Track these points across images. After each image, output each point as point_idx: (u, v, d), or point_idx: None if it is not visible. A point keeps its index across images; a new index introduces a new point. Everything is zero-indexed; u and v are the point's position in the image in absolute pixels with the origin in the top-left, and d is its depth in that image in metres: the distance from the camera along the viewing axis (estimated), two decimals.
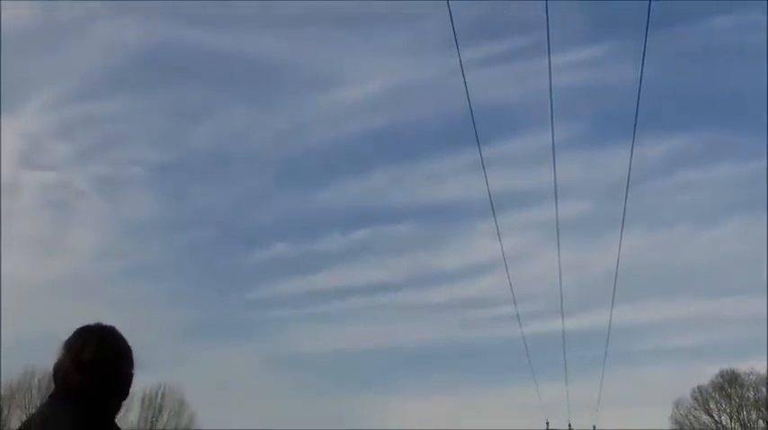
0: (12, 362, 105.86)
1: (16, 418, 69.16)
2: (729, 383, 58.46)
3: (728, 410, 58.41)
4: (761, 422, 57.29)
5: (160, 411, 72.35)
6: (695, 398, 59.52)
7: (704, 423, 59.17)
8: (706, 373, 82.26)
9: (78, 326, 2.67)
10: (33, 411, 2.65)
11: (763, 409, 56.58)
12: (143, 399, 72.93)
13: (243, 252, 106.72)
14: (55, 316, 79.09)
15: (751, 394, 57.79)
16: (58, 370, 2.63)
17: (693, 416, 59.62)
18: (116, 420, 2.63)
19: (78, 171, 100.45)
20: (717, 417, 58.76)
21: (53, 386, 2.68)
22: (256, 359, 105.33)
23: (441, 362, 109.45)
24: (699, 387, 60.02)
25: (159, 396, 72.60)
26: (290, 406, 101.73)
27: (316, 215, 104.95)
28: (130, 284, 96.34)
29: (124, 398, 2.63)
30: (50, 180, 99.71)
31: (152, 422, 71.60)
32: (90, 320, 2.79)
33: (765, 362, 63.56)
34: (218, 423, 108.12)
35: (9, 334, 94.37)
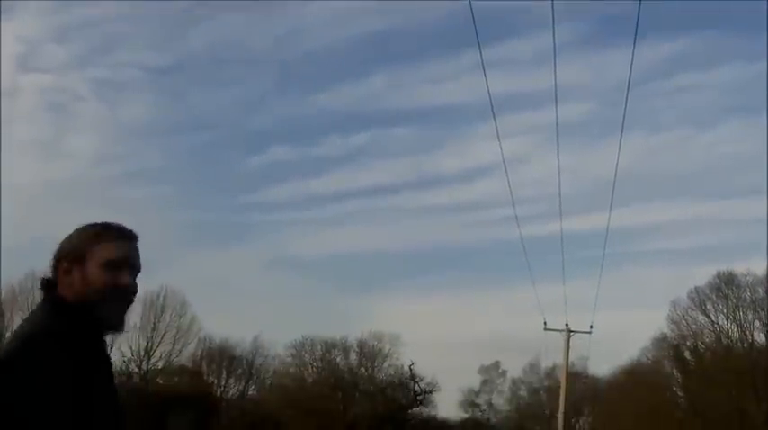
0: (13, 265, 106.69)
1: (18, 321, 69.52)
2: (726, 284, 58.65)
3: (725, 311, 58.74)
4: (757, 322, 57.71)
5: (162, 312, 73.29)
6: (692, 299, 59.78)
7: (701, 323, 59.61)
8: (703, 275, 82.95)
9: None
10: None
11: (759, 310, 57.09)
12: (144, 301, 73.75)
13: (242, 156, 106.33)
14: (56, 219, 79.30)
15: (748, 295, 57.97)
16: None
17: (690, 317, 60.03)
18: None
19: (77, 74, 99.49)
20: (713, 318, 59.13)
21: None
22: (256, 262, 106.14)
23: (439, 265, 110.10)
24: (696, 288, 60.17)
25: (161, 297, 73.47)
26: (290, 307, 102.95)
27: (315, 119, 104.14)
28: (130, 188, 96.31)
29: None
30: (49, 83, 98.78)
31: (154, 323, 72.53)
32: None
33: (764, 264, 64.02)
34: (220, 324, 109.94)
35: (10, 237, 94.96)
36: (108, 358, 2.40)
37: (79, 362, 2.25)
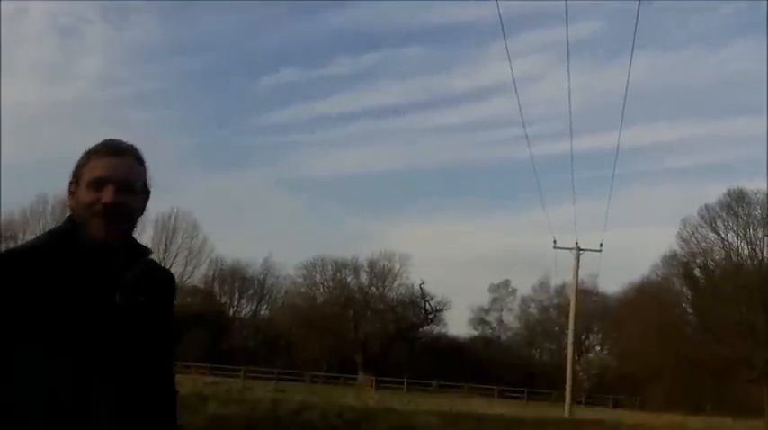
0: (24, 188, 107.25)
1: None
2: (737, 202, 58.37)
3: (735, 228, 58.61)
4: (767, 239, 57.94)
5: (173, 234, 73.71)
6: (702, 217, 59.62)
7: (711, 240, 59.60)
8: (713, 193, 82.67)
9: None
10: None
11: None
12: (156, 222, 74.11)
13: (251, 78, 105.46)
14: (66, 141, 79.27)
15: (758, 212, 57.75)
16: None
17: (700, 234, 59.97)
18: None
19: None
20: (723, 235, 59.09)
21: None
22: (266, 183, 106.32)
23: (449, 184, 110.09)
24: (706, 205, 59.93)
25: (172, 219, 73.78)
26: (301, 228, 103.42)
27: (324, 39, 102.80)
28: (138, 111, 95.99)
29: (141, 214, 2.44)
30: (56, 6, 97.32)
31: (166, 245, 73.01)
32: None
33: None
34: (231, 245, 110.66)
35: (22, 160, 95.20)
36: (97, 277, 2.27)
37: (38, 279, 2.20)
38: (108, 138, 2.44)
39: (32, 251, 2.27)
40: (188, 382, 34.99)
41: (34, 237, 2.42)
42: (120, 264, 2.33)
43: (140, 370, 2.31)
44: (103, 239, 2.30)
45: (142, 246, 2.48)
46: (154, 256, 2.51)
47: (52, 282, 2.20)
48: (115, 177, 2.33)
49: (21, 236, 70.70)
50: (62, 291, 2.20)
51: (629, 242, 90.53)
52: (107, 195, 2.30)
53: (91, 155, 2.37)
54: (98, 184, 2.31)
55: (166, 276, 2.58)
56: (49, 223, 71.95)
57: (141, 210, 2.45)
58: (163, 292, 2.50)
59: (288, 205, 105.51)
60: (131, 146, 2.44)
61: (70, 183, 2.38)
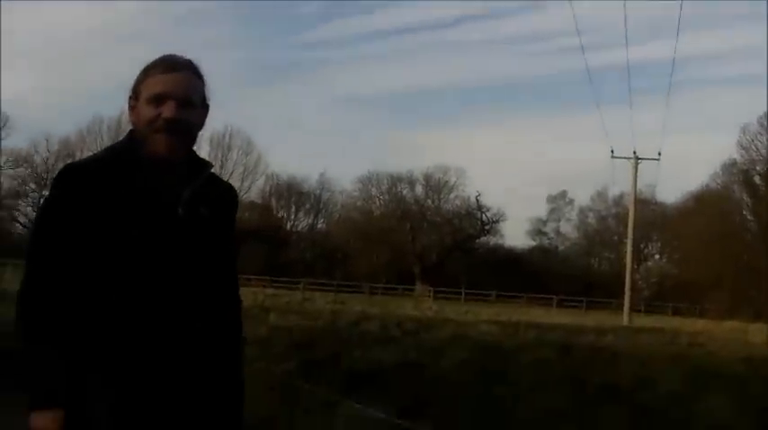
0: (81, 109, 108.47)
1: None
2: None
3: None
4: None
5: (228, 151, 74.27)
6: (761, 124, 58.02)
7: None
8: None
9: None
10: None
11: None
12: (211, 140, 74.72)
13: None
14: (120, 63, 79.57)
15: None
16: None
17: (760, 142, 58.69)
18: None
19: None
20: None
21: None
22: (321, 98, 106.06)
23: (505, 96, 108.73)
24: (766, 113, 58.65)
25: (227, 136, 74.28)
26: (356, 143, 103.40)
27: None
28: (189, 27, 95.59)
29: (200, 128, 2.49)
30: None
31: (221, 161, 73.63)
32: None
33: None
34: (286, 161, 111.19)
35: (77, 82, 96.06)
36: (159, 191, 2.31)
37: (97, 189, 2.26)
38: (165, 53, 2.42)
39: (97, 163, 2.30)
40: (249, 295, 35.67)
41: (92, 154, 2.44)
42: (182, 178, 2.35)
43: (205, 279, 2.36)
44: (165, 154, 2.33)
45: (203, 159, 2.49)
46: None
47: (117, 194, 2.24)
48: (174, 93, 2.33)
49: (78, 154, 71.89)
50: (127, 202, 2.24)
51: (687, 151, 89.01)
52: (168, 111, 2.31)
53: (149, 70, 2.37)
54: (158, 100, 2.32)
55: (227, 188, 2.57)
56: (105, 142, 72.92)
57: (201, 124, 2.46)
58: (224, 204, 2.51)
59: (342, 120, 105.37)
60: (189, 60, 2.43)
61: (129, 98, 2.40)
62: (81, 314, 2.23)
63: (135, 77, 2.39)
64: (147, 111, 2.32)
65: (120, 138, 2.42)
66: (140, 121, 2.34)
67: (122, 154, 2.32)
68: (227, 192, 2.55)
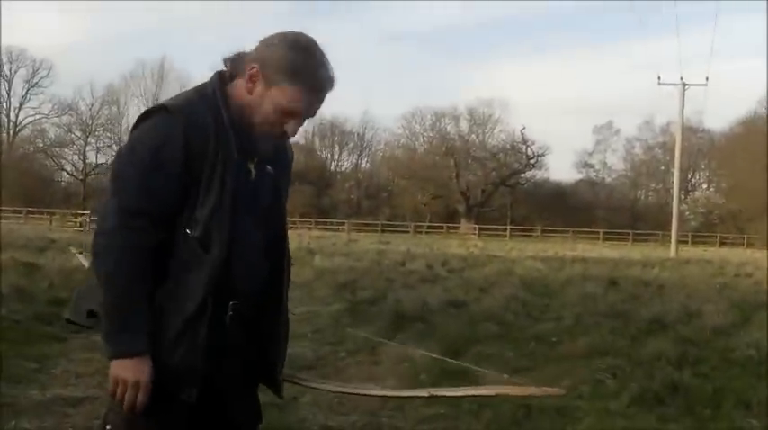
0: (124, 54, 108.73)
1: (133, 106, 72.09)
2: None
3: None
4: None
5: None
6: None
7: None
8: None
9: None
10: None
11: None
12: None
13: None
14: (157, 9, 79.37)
15: None
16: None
17: None
18: None
19: None
20: None
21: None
22: (362, 35, 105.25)
23: (547, 26, 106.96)
24: None
25: None
26: (398, 79, 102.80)
27: None
28: None
29: None
30: None
31: None
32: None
33: None
34: (328, 101, 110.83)
35: (121, 27, 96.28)
36: (240, 147, 2.34)
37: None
38: (318, 52, 2.33)
39: (192, 109, 2.30)
40: (295, 237, 36.00)
41: (201, 84, 2.40)
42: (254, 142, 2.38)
43: (273, 224, 2.48)
44: (258, 142, 2.38)
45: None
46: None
47: (210, 146, 2.27)
48: (307, 115, 2.36)
49: (122, 99, 72.50)
50: (217, 148, 2.28)
51: (735, 76, 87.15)
52: (292, 130, 2.35)
53: (299, 73, 2.28)
54: (290, 114, 2.31)
55: (290, 152, 2.61)
56: (148, 85, 73.49)
57: None
58: (286, 165, 2.56)
59: (385, 57, 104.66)
60: (335, 78, 2.39)
61: (255, 64, 2.30)
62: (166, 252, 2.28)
63: (276, 52, 2.29)
64: (273, 114, 2.30)
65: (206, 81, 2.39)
66: (253, 105, 2.31)
67: (217, 109, 2.31)
68: (289, 155, 2.59)
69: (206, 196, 2.26)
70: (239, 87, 2.32)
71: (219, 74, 2.38)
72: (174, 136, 2.24)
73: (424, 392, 2.71)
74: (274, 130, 2.34)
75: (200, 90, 2.36)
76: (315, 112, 2.38)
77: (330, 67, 2.33)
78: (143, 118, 2.32)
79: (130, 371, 2.19)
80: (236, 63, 2.36)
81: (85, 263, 3.47)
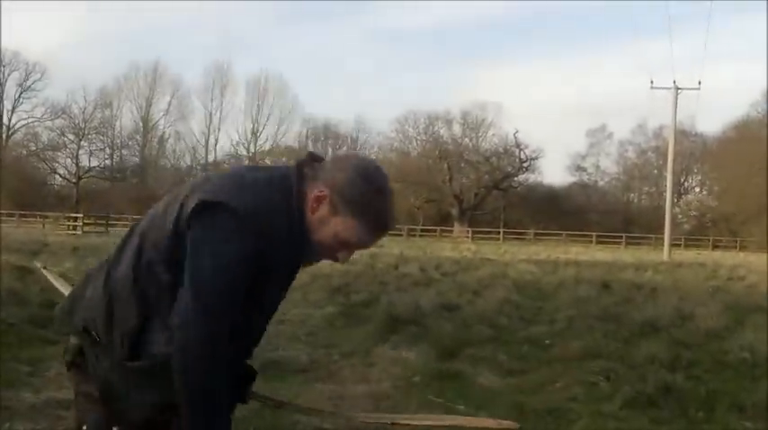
0: (118, 57, 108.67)
1: (126, 109, 71.98)
2: None
3: None
4: None
5: (264, 95, 74.43)
6: None
7: None
8: None
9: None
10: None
11: None
12: (247, 84, 74.99)
13: None
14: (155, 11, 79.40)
15: None
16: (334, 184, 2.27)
17: None
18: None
19: None
20: None
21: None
22: (355, 36, 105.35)
23: (538, 31, 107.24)
24: None
25: (262, 80, 74.45)
26: (391, 83, 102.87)
27: None
28: None
29: None
30: None
31: (258, 105, 73.95)
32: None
33: None
34: (322, 104, 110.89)
35: (114, 29, 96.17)
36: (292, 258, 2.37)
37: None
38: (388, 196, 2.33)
39: (270, 215, 2.23)
40: None
41: (281, 178, 2.32)
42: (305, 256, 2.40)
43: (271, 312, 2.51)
44: (308, 261, 2.42)
45: None
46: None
47: (280, 250, 2.25)
48: (364, 248, 2.38)
49: (115, 103, 72.48)
50: (274, 262, 2.26)
51: (727, 78, 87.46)
52: (343, 258, 2.36)
53: (364, 216, 2.29)
54: (347, 245, 2.32)
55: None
56: (141, 89, 73.47)
57: None
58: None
59: (377, 61, 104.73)
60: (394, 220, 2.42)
61: (326, 185, 2.28)
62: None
63: (348, 183, 2.27)
64: (331, 240, 2.30)
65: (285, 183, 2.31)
66: (317, 225, 2.29)
67: (293, 218, 2.28)
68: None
69: (250, 300, 2.27)
70: (308, 199, 2.29)
71: (300, 169, 2.32)
72: (252, 242, 2.18)
73: (387, 419, 2.70)
74: (325, 254, 2.34)
75: (281, 184, 2.29)
76: (368, 248, 2.41)
77: (393, 208, 2.34)
78: (217, 210, 2.20)
79: None
80: (315, 170, 2.32)
81: (53, 280, 3.42)
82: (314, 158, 2.35)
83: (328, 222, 2.27)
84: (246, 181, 2.28)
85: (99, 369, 2.27)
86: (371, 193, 2.27)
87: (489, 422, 2.70)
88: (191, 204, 2.19)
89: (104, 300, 2.27)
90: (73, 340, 2.35)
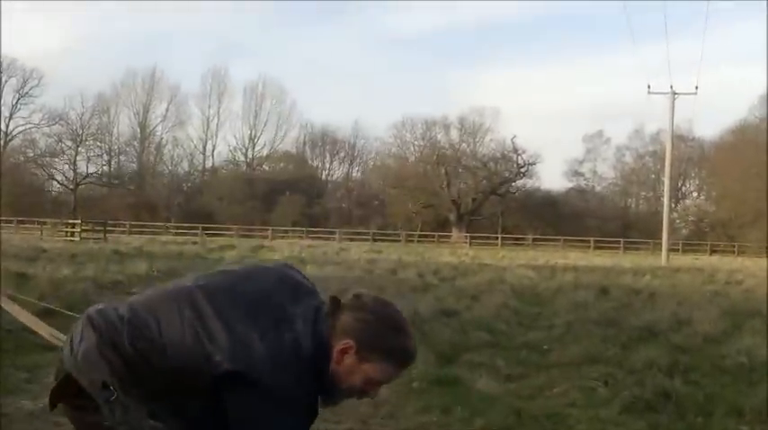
0: (115, 63, 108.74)
1: (124, 116, 71.92)
2: None
3: None
4: None
5: (262, 100, 74.40)
6: None
7: None
8: None
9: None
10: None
11: None
12: (245, 90, 74.91)
13: None
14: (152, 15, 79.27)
15: None
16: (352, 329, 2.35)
17: None
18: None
19: None
20: None
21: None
22: (352, 41, 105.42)
23: (535, 36, 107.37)
24: None
25: (260, 85, 74.44)
26: (388, 88, 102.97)
27: None
28: None
29: None
30: None
31: (255, 111, 73.89)
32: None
33: None
34: (319, 105, 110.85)
35: (111, 35, 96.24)
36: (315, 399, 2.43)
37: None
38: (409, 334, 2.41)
39: (308, 366, 2.30)
40: (286, 247, 36.01)
41: (314, 329, 2.38)
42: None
43: None
44: (335, 404, 2.47)
45: None
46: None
47: (310, 388, 2.32)
48: (388, 383, 2.47)
49: (113, 109, 72.44)
50: (306, 406, 2.33)
51: (724, 83, 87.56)
52: (374, 393, 2.45)
53: (390, 358, 2.38)
54: (377, 385, 2.41)
55: None
56: (139, 95, 73.43)
57: None
58: None
59: (375, 66, 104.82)
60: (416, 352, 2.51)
61: (349, 337, 2.34)
62: None
63: (369, 330, 2.36)
64: (360, 384, 2.38)
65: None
66: (345, 374, 2.36)
67: (323, 366, 2.35)
68: None
69: None
70: (332, 351, 2.35)
71: (331, 315, 2.38)
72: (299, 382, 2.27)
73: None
74: (355, 395, 2.43)
75: (315, 334, 2.36)
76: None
77: (413, 338, 2.43)
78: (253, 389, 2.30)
79: None
80: (334, 319, 2.37)
81: (15, 314, 3.39)
82: (335, 304, 2.39)
83: (357, 370, 2.35)
84: (274, 349, 2.30)
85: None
86: (393, 336, 2.37)
87: None
88: (221, 362, 2.25)
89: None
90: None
